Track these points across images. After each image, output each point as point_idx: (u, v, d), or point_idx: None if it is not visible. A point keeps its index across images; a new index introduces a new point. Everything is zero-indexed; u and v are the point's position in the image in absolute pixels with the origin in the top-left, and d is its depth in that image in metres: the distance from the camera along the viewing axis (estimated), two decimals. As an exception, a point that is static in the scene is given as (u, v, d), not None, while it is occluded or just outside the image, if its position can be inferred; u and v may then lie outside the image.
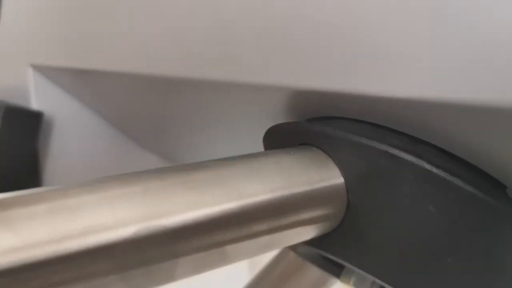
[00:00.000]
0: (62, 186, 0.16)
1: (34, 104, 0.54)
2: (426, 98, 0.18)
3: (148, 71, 0.34)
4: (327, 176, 0.22)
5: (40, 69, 0.53)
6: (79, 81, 0.52)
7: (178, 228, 0.17)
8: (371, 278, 0.25)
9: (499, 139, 0.19)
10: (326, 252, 0.23)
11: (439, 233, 0.20)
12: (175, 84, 0.33)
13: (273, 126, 0.25)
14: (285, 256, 0.34)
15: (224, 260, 0.19)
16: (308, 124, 0.24)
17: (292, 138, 0.24)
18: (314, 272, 0.33)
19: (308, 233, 0.22)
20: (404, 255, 0.21)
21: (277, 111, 0.27)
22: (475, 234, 0.20)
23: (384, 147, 0.21)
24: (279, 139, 0.25)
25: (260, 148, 0.28)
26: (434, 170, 0.20)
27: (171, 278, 0.18)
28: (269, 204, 0.20)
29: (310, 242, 0.24)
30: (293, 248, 0.29)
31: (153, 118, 0.48)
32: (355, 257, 0.22)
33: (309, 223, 0.21)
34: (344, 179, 0.22)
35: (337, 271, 0.28)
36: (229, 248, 0.19)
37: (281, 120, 0.27)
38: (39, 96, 0.55)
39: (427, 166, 0.20)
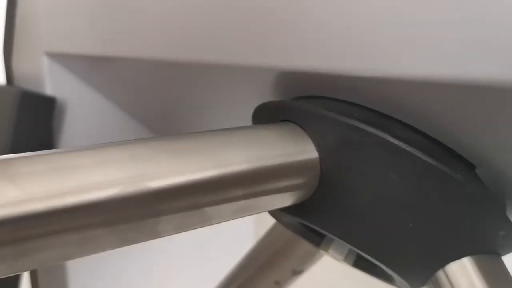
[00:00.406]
0: (60, 149, 0.18)
1: (48, 90, 0.57)
2: (392, 75, 0.20)
3: (150, 55, 0.36)
4: (302, 148, 0.24)
5: (54, 57, 0.56)
6: (91, 67, 0.55)
7: (161, 190, 0.19)
8: (347, 246, 0.28)
9: (463, 116, 0.21)
10: (303, 219, 0.26)
11: (401, 200, 0.23)
12: (173, 68, 0.36)
13: (259, 105, 0.28)
14: (276, 231, 0.36)
15: (204, 221, 0.22)
16: (287, 102, 0.26)
17: (274, 115, 0.26)
18: (303, 245, 0.36)
19: (283, 200, 0.24)
20: (369, 221, 0.23)
21: (265, 92, 0.30)
22: (433, 201, 0.22)
23: (352, 121, 0.23)
24: (263, 117, 0.27)
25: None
26: (395, 141, 0.22)
27: (155, 234, 0.20)
28: (246, 173, 0.22)
29: (288, 211, 0.26)
30: (282, 222, 0.31)
31: (159, 103, 0.51)
32: (327, 223, 0.24)
33: (284, 191, 0.24)
34: (318, 151, 0.24)
35: (319, 241, 0.30)
36: (208, 210, 0.21)
37: (269, 100, 0.29)
38: (53, 83, 0.58)
39: (389, 138, 0.22)
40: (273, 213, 0.30)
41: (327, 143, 0.24)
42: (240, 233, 0.66)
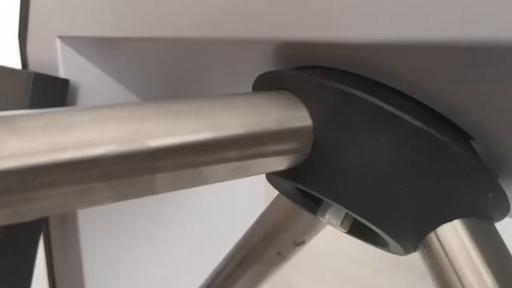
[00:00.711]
0: (61, 108, 0.19)
1: (61, 73, 0.59)
2: (380, 40, 0.21)
3: (154, 34, 0.37)
4: (296, 114, 0.25)
5: (67, 40, 0.57)
6: (102, 50, 0.56)
7: (157, 148, 0.20)
8: (343, 211, 0.28)
9: (452, 81, 0.22)
10: (298, 183, 0.26)
11: (390, 163, 0.23)
12: (178, 46, 0.37)
13: (258, 76, 0.29)
14: (277, 203, 0.37)
15: (199, 180, 0.23)
16: (282, 71, 0.27)
17: (271, 85, 0.27)
18: (303, 216, 0.37)
19: (278, 164, 0.25)
20: (361, 183, 0.24)
21: (265, 65, 0.30)
22: (421, 164, 0.23)
23: (343, 87, 0.23)
24: (262, 87, 0.28)
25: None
26: (385, 105, 0.23)
27: (152, 190, 0.21)
28: (241, 136, 0.23)
29: (284, 175, 0.27)
30: (282, 191, 0.32)
31: (166, 83, 0.52)
32: (321, 186, 0.25)
33: (278, 155, 0.25)
34: (311, 117, 0.25)
35: (316, 209, 0.31)
36: (203, 170, 0.22)
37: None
38: (65, 66, 0.60)
39: (379, 102, 0.23)
40: (272, 181, 0.31)
41: (320, 108, 0.24)
42: (250, 209, 0.67)
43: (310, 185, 0.26)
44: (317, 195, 0.26)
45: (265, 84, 0.28)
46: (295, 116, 0.25)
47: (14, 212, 0.18)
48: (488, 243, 0.25)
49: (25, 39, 0.68)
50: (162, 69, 0.50)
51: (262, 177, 0.29)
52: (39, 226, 0.57)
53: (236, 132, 0.23)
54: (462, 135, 0.24)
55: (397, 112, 0.22)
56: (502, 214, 0.27)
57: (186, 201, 0.67)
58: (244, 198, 0.71)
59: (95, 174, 0.19)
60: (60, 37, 0.58)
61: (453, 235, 0.25)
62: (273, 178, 0.30)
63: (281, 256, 0.37)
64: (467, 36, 0.18)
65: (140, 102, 0.22)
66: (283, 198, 0.36)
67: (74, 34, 0.55)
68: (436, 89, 0.23)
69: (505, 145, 0.24)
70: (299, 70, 0.27)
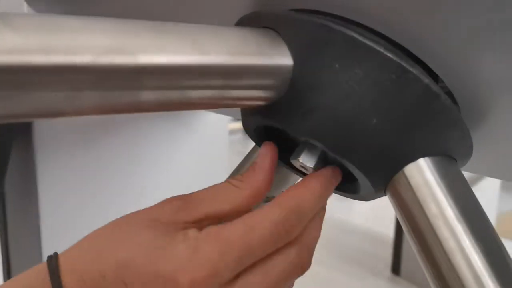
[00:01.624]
0: (57, 15, 0.20)
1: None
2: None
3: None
4: (278, 51, 0.26)
5: (33, 3, 0.56)
6: (69, 11, 0.56)
7: (145, 64, 0.21)
8: (316, 154, 0.29)
9: (421, 20, 0.23)
10: (274, 121, 0.27)
11: (364, 94, 0.25)
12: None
13: (243, 16, 0.29)
14: (252, 158, 0.38)
15: (182, 103, 0.23)
16: (267, 11, 0.28)
17: (252, 24, 0.28)
18: (277, 171, 0.37)
19: (256, 97, 0.26)
20: (337, 118, 0.25)
21: (246, 7, 0.31)
22: (392, 97, 0.25)
23: (321, 21, 0.25)
24: (245, 26, 0.29)
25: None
26: (360, 38, 0.24)
27: (138, 105, 0.22)
28: (224, 63, 0.24)
29: (261, 113, 0.28)
30: (256, 140, 0.33)
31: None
32: (295, 122, 0.26)
33: (257, 88, 0.25)
34: (291, 53, 0.26)
35: (288, 156, 0.32)
36: (187, 93, 0.23)
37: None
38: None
39: (355, 34, 0.24)
40: (248, 130, 0.31)
41: (300, 45, 0.25)
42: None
43: (287, 122, 0.27)
44: (293, 133, 0.27)
45: (249, 23, 0.29)
46: (276, 52, 0.26)
47: (4, 108, 0.18)
48: (450, 179, 0.27)
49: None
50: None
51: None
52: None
53: (221, 59, 0.23)
54: (430, 74, 0.26)
55: (371, 43, 0.24)
56: (466, 156, 0.28)
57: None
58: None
59: (84, 80, 0.19)
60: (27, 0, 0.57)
61: (419, 173, 0.27)
62: (249, 124, 0.31)
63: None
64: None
65: (134, 20, 0.22)
66: (255, 155, 0.37)
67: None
68: (405, 26, 0.24)
69: (469, 84, 0.26)
70: (283, 10, 0.28)
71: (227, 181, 0.28)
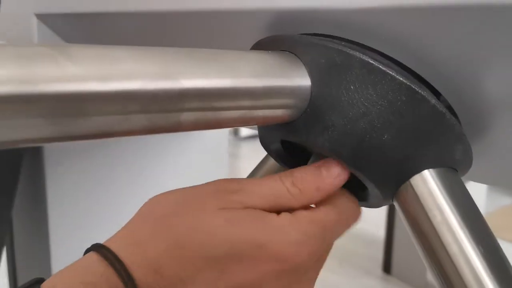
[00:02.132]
0: (107, 45, 0.22)
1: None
2: (370, 5, 0.25)
3: (143, 8, 0.39)
4: (297, 72, 0.28)
5: (43, 18, 0.58)
6: (79, 28, 0.57)
7: (186, 89, 0.23)
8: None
9: (429, 45, 0.26)
10: (291, 137, 0.30)
11: (377, 114, 0.27)
12: (171, 19, 0.39)
13: (258, 41, 0.32)
14: (263, 167, 0.40)
15: (215, 123, 0.26)
16: (285, 35, 0.30)
17: (272, 47, 0.30)
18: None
19: (279, 115, 0.28)
20: (351, 134, 0.28)
21: (260, 34, 0.34)
22: (402, 116, 0.27)
23: (339, 47, 0.27)
24: (262, 50, 0.31)
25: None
26: (374, 63, 0.27)
27: (177, 127, 0.24)
28: (253, 86, 0.26)
29: (277, 130, 0.30)
30: (273, 153, 0.35)
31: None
32: (314, 138, 0.29)
33: (280, 107, 0.28)
34: (309, 75, 0.28)
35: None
36: (219, 114, 0.25)
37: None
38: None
39: (370, 60, 0.27)
40: (263, 142, 0.34)
41: (318, 66, 0.28)
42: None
43: (306, 138, 0.29)
44: (310, 146, 0.30)
45: (265, 48, 0.31)
46: (296, 74, 0.28)
47: (62, 130, 0.20)
48: (453, 189, 0.30)
49: (-5, 17, 0.67)
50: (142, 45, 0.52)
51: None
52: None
53: (249, 82, 0.26)
54: (435, 94, 0.29)
55: (384, 68, 0.26)
56: (467, 166, 0.31)
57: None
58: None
59: (134, 103, 0.22)
60: (37, 14, 0.58)
61: (424, 183, 0.29)
62: (265, 138, 0.33)
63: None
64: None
65: (175, 48, 0.24)
66: (268, 163, 0.39)
67: (52, 11, 0.56)
68: (413, 50, 0.27)
69: (469, 101, 0.29)
70: (300, 34, 0.30)
71: (286, 187, 0.28)
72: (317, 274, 0.30)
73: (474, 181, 0.40)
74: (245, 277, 0.26)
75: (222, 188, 0.28)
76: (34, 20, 0.58)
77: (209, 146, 0.78)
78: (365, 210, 0.33)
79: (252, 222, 0.26)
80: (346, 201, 0.31)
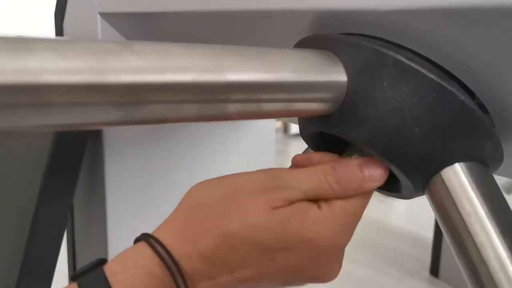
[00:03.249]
0: (162, 42, 0.25)
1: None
2: (407, 7, 0.27)
3: (196, 7, 0.42)
4: (335, 68, 0.31)
5: (107, 17, 0.62)
6: (140, 26, 0.62)
7: (231, 82, 0.26)
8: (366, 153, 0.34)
9: (464, 45, 0.28)
10: (328, 129, 0.32)
11: (409, 109, 0.29)
12: (223, 18, 0.42)
13: (301, 39, 0.34)
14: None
15: (258, 114, 0.28)
16: (323, 34, 0.33)
17: (312, 46, 0.33)
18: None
19: (316, 109, 0.31)
20: (384, 127, 0.30)
21: (304, 32, 0.36)
22: (434, 111, 0.29)
23: (374, 46, 0.29)
24: (303, 48, 0.34)
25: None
26: (407, 61, 0.29)
27: (224, 116, 0.27)
28: (292, 80, 0.29)
29: (316, 123, 0.33)
30: (312, 146, 0.38)
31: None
32: (349, 130, 0.31)
33: (318, 100, 0.30)
34: (346, 72, 0.31)
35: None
36: (262, 105, 0.28)
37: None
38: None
39: (402, 58, 0.29)
40: (303, 134, 0.36)
41: (354, 64, 0.30)
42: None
43: (342, 130, 0.31)
44: (346, 138, 0.32)
45: (306, 46, 0.34)
46: (334, 70, 0.31)
47: (126, 115, 0.24)
48: (482, 182, 0.31)
49: (63, 15, 0.72)
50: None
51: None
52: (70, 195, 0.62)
53: (289, 76, 0.29)
54: (467, 91, 0.30)
55: (416, 66, 0.28)
56: (498, 162, 0.33)
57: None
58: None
59: (187, 93, 0.25)
60: (101, 13, 0.63)
61: (455, 176, 0.31)
62: (304, 130, 0.36)
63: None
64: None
65: (224, 45, 0.27)
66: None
67: (116, 11, 0.60)
68: (446, 49, 0.29)
69: (501, 100, 0.30)
70: (339, 34, 0.33)
71: (329, 184, 0.32)
72: (343, 254, 0.34)
73: (507, 177, 0.40)
74: (293, 263, 0.31)
75: (269, 186, 0.31)
76: (98, 19, 0.63)
77: (255, 143, 0.81)
78: (414, 211, 0.35)
79: (299, 219, 0.31)
80: (370, 195, 0.34)
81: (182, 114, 0.25)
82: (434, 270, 2.02)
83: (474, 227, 0.30)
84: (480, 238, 0.30)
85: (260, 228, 0.29)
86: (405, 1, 0.27)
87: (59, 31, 0.74)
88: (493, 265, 0.29)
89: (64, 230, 0.63)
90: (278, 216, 0.30)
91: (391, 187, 0.36)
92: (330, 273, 0.33)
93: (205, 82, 0.25)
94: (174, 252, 0.29)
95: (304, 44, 0.34)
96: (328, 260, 0.32)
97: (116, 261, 0.29)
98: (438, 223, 0.33)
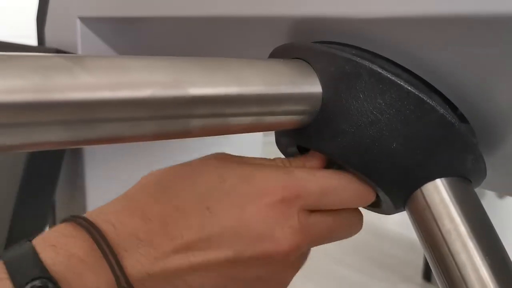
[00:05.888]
0: (116, 56, 0.24)
1: (80, 53, 0.62)
2: (382, 16, 0.25)
3: (173, 13, 0.41)
4: (308, 80, 0.29)
5: (86, 21, 0.61)
6: (120, 32, 0.60)
7: (193, 96, 0.25)
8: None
9: (443, 54, 0.26)
10: (303, 143, 0.31)
11: (386, 122, 0.28)
12: (201, 24, 0.41)
13: (275, 48, 0.33)
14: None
15: (224, 129, 0.27)
16: (297, 43, 0.31)
17: (286, 54, 0.31)
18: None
19: (288, 123, 0.29)
20: (361, 142, 0.28)
21: (281, 38, 0.35)
22: (412, 125, 0.27)
23: (349, 56, 0.28)
24: (277, 57, 0.32)
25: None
26: (383, 72, 0.27)
27: (187, 133, 0.25)
28: (261, 93, 0.27)
29: (291, 136, 0.31)
30: (287, 154, 0.36)
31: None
32: (324, 144, 0.29)
33: (290, 114, 0.29)
34: (321, 83, 0.29)
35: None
36: (228, 120, 0.26)
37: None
38: (84, 47, 0.63)
39: (379, 69, 0.27)
40: (280, 145, 0.35)
41: (329, 75, 0.29)
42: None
43: (316, 144, 0.30)
44: (322, 153, 0.30)
45: (281, 55, 0.32)
46: (307, 81, 0.29)
47: (76, 135, 0.22)
48: (464, 199, 0.29)
49: (44, 20, 0.71)
50: (178, 49, 0.54)
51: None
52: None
53: (257, 89, 0.27)
54: (449, 105, 0.29)
55: (392, 77, 0.27)
56: (480, 177, 0.31)
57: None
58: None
59: (144, 110, 0.23)
60: (80, 18, 0.61)
61: (435, 192, 0.29)
62: (281, 142, 0.34)
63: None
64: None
65: (185, 57, 0.26)
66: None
67: (95, 15, 0.59)
68: (425, 59, 0.27)
69: (484, 114, 0.29)
70: (313, 43, 0.31)
71: (303, 167, 0.31)
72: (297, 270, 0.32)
73: (493, 190, 0.39)
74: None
75: (223, 156, 0.31)
76: (78, 24, 0.61)
77: (242, 146, 0.79)
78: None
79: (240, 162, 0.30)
80: (351, 211, 0.32)
81: (139, 132, 0.24)
82: (427, 275, 2.01)
83: (455, 246, 0.29)
84: (461, 257, 0.28)
85: (203, 183, 0.29)
86: (383, 10, 0.25)
87: (40, 35, 0.72)
88: (474, 286, 0.28)
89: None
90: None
91: (372, 202, 0.34)
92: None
93: (164, 97, 0.24)
94: (96, 212, 0.28)
95: (278, 53, 0.33)
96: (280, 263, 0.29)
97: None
98: (419, 241, 0.32)
